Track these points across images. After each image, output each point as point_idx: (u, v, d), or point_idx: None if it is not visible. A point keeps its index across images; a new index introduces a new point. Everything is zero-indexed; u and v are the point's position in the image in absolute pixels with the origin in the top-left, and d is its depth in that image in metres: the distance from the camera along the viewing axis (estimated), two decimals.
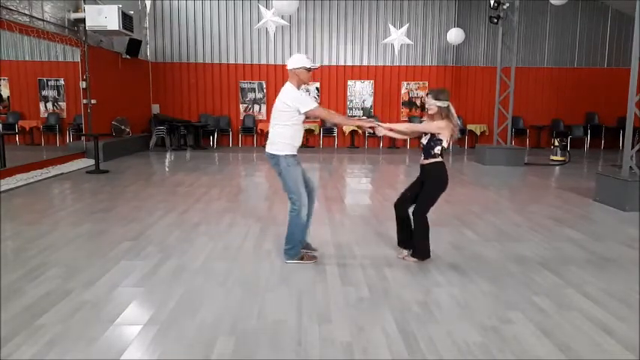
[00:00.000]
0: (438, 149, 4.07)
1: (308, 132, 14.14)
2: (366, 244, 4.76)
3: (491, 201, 7.22)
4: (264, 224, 5.45)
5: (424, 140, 4.15)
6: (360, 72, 14.46)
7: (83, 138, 10.59)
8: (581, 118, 14.67)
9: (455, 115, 4.08)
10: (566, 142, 12.38)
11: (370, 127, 4.32)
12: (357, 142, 14.58)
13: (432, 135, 4.07)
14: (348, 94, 14.50)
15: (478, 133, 14.40)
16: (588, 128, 14.33)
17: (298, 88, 4.00)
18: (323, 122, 14.26)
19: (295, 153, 4.07)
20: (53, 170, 8.86)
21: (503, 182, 8.92)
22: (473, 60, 14.57)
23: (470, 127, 14.48)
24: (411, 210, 4.30)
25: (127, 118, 12.24)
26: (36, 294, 3.44)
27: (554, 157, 11.47)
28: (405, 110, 14.62)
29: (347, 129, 14.09)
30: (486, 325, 3.05)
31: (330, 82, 14.40)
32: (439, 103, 4.01)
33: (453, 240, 4.95)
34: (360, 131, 14.30)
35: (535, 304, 3.38)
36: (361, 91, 14.50)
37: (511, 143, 11.99)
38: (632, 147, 6.66)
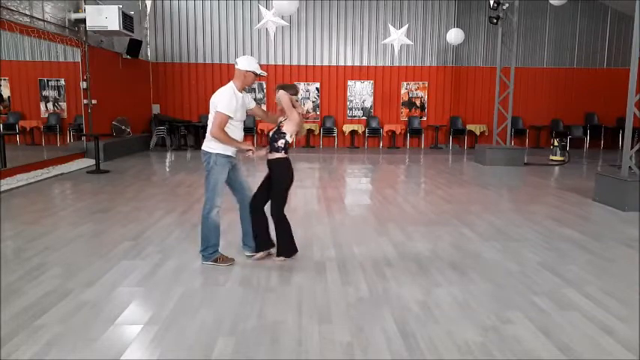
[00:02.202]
0: (281, 142, 4.03)
1: (308, 132, 14.16)
2: (366, 244, 4.77)
3: (491, 201, 7.22)
4: None
5: (270, 133, 4.13)
6: (360, 72, 14.47)
7: (84, 138, 10.59)
8: (580, 118, 14.68)
9: (301, 107, 4.10)
10: (566, 142, 12.39)
11: (248, 150, 4.11)
12: (357, 142, 14.58)
13: (278, 128, 4.06)
14: (348, 94, 14.51)
15: (478, 133, 14.41)
16: (588, 128, 14.35)
17: (241, 89, 4.01)
18: (323, 122, 14.29)
19: (229, 154, 4.01)
20: (54, 170, 8.86)
21: (503, 182, 8.92)
22: (473, 60, 14.58)
23: (469, 127, 14.49)
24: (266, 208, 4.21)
25: (128, 118, 12.25)
26: (36, 294, 3.44)
27: (554, 157, 11.48)
28: (404, 110, 14.63)
29: (345, 129, 14.20)
30: (486, 325, 3.06)
31: (330, 82, 14.41)
32: None
33: (453, 240, 4.96)
34: (359, 131, 14.32)
35: (535, 304, 3.38)
36: (361, 92, 14.51)
37: (511, 143, 11.99)
38: (632, 147, 6.66)
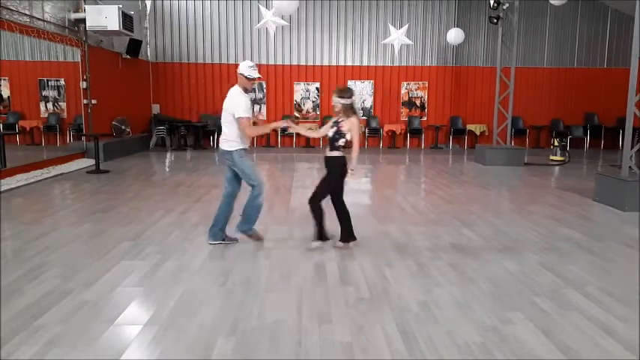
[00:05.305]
0: (342, 142, 4.38)
1: None
2: (365, 244, 4.76)
3: (491, 201, 7.22)
4: (264, 224, 5.44)
5: (330, 133, 4.41)
6: (360, 72, 14.46)
7: (83, 138, 10.59)
8: (580, 118, 14.68)
9: (358, 111, 4.43)
10: (566, 142, 12.39)
11: (285, 127, 4.77)
12: None
13: (337, 129, 4.36)
14: None
15: (478, 133, 14.41)
16: (588, 128, 14.35)
17: (245, 91, 4.42)
18: (322, 122, 14.28)
19: (245, 147, 4.49)
20: (54, 170, 8.86)
21: (503, 182, 8.92)
22: (473, 60, 14.58)
23: (470, 127, 14.49)
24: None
25: (128, 118, 12.25)
26: (36, 294, 3.44)
27: (554, 157, 11.48)
28: (404, 110, 14.63)
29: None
30: (486, 325, 3.06)
31: (330, 82, 14.39)
32: (342, 101, 4.33)
33: (453, 240, 4.96)
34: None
35: (535, 304, 3.38)
36: (361, 91, 14.50)
37: (511, 143, 11.99)
38: (632, 147, 6.66)
